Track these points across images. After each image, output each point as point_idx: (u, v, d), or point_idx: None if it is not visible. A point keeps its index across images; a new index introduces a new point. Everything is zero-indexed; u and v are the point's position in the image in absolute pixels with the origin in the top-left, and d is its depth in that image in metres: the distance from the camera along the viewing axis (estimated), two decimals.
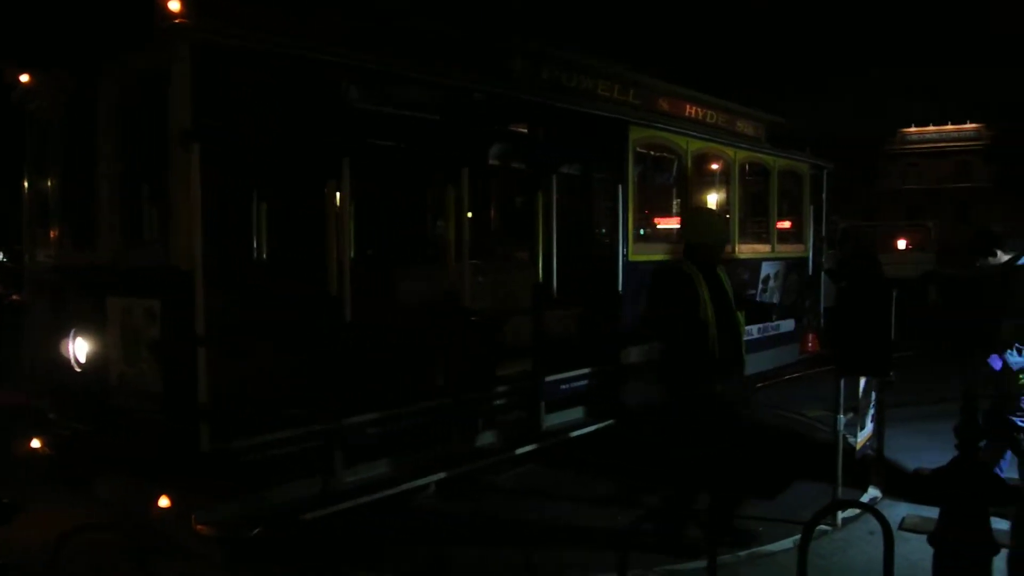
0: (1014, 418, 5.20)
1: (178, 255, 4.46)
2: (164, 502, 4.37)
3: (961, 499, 2.68)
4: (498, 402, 6.39)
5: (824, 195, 11.69)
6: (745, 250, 9.60)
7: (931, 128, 58.60)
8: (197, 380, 4.35)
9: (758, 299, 9.92)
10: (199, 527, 4.34)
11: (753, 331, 9.93)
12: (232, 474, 4.50)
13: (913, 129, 59.15)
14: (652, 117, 8.28)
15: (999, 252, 5.57)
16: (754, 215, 10.24)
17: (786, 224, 10.86)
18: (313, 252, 5.25)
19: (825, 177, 11.57)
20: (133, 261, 5.04)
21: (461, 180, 6.21)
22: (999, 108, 50.90)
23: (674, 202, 9.10)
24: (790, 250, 10.63)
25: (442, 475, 5.60)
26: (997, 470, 5.46)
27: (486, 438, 6.28)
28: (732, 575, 4.57)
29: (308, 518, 4.67)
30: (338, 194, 5.27)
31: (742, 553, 4.86)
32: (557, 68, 7.38)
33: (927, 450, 6.34)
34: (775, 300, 10.28)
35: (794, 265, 10.62)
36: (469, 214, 6.47)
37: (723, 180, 9.41)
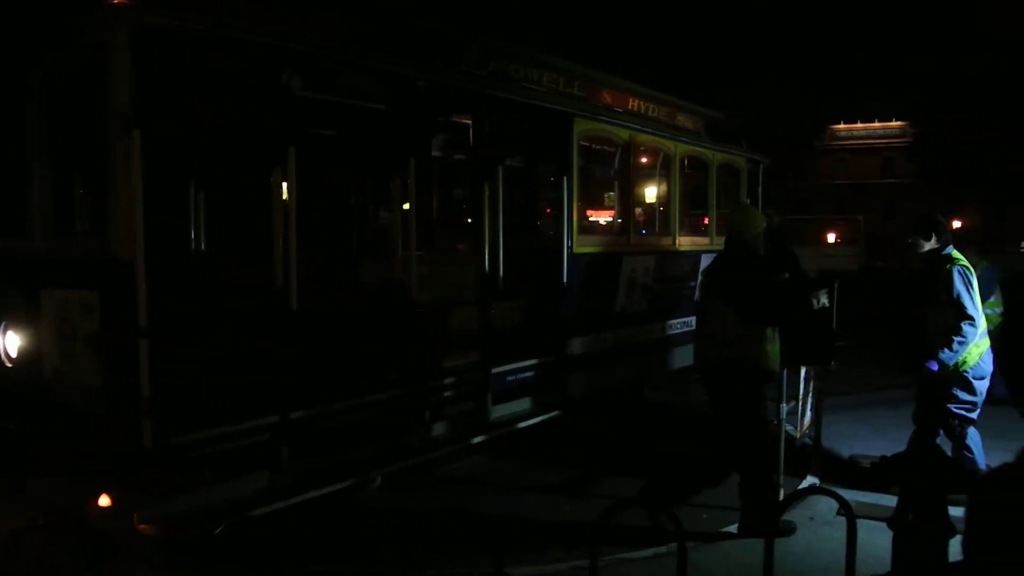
0: (949, 405, 5.37)
1: (118, 245, 4.29)
2: (104, 501, 4.22)
3: (920, 485, 2.75)
4: (446, 394, 6.37)
5: (760, 189, 11.97)
6: (686, 243, 9.76)
7: (859, 125, 60.39)
8: (139, 374, 4.21)
9: (698, 291, 10.14)
10: (142, 526, 4.22)
11: (692, 321, 10.14)
12: (175, 470, 4.37)
13: (842, 126, 60.81)
14: (596, 110, 8.35)
15: (933, 237, 5.67)
16: (694, 208, 10.43)
17: (724, 217, 11.08)
18: (258, 242, 5.13)
19: (761, 171, 11.84)
20: (69, 252, 4.85)
21: (407, 171, 6.16)
22: (922, 107, 52.62)
23: (617, 195, 9.15)
24: None
25: (391, 468, 5.56)
26: None
27: (434, 430, 6.24)
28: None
29: (257, 514, 4.57)
30: (284, 184, 5.16)
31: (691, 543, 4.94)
32: (504, 60, 7.37)
33: (861, 438, 6.60)
34: None
35: None
36: (414, 205, 6.43)
37: (664, 173, 9.52)
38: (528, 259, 7.68)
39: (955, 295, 5.36)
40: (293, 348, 5.04)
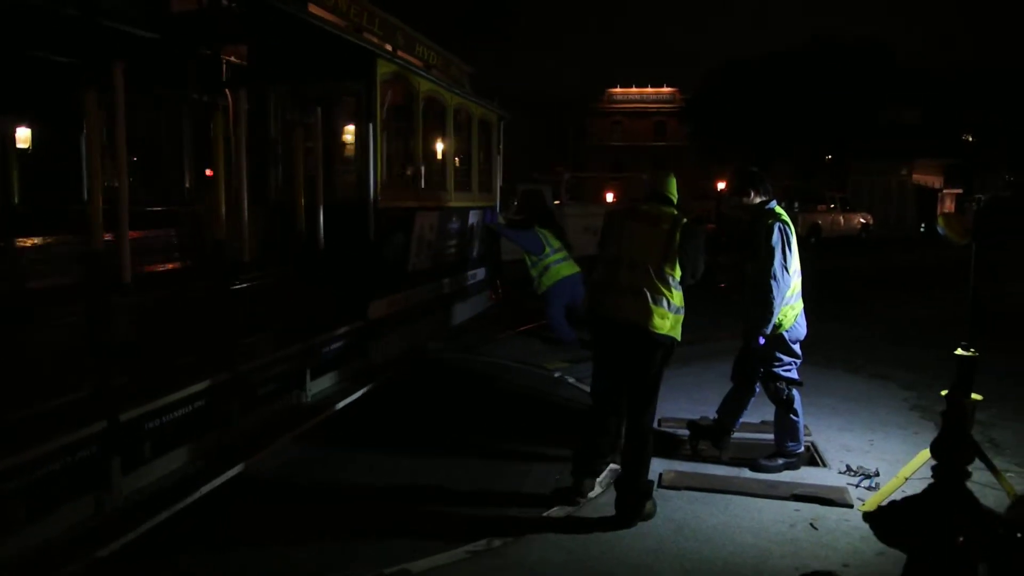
0: (773, 369, 5.39)
1: None
2: None
3: (942, 541, 2.18)
4: (258, 377, 5.43)
5: (501, 145, 11.99)
6: (459, 198, 9.51)
7: (634, 89, 63.13)
8: None
9: (467, 249, 9.96)
10: None
11: (467, 277, 10.03)
12: None
13: (618, 89, 63.18)
14: (394, 54, 7.66)
15: (752, 193, 5.49)
16: (461, 163, 10.16)
17: (481, 173, 10.97)
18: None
19: (502, 127, 11.84)
20: None
21: (187, 110, 5.02)
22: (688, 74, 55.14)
23: (405, 147, 8.55)
24: (486, 199, 10.82)
25: (237, 469, 4.61)
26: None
27: (249, 422, 5.30)
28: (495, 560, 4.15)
29: (105, 554, 3.49)
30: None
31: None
32: None
33: (664, 398, 6.50)
34: (475, 249, 10.40)
35: (487, 214, 10.82)
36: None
37: (442, 126, 9.15)
38: (330, 215, 6.84)
39: (770, 248, 5.26)
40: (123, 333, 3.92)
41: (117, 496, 3.89)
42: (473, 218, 10.09)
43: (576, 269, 9.53)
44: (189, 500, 4.15)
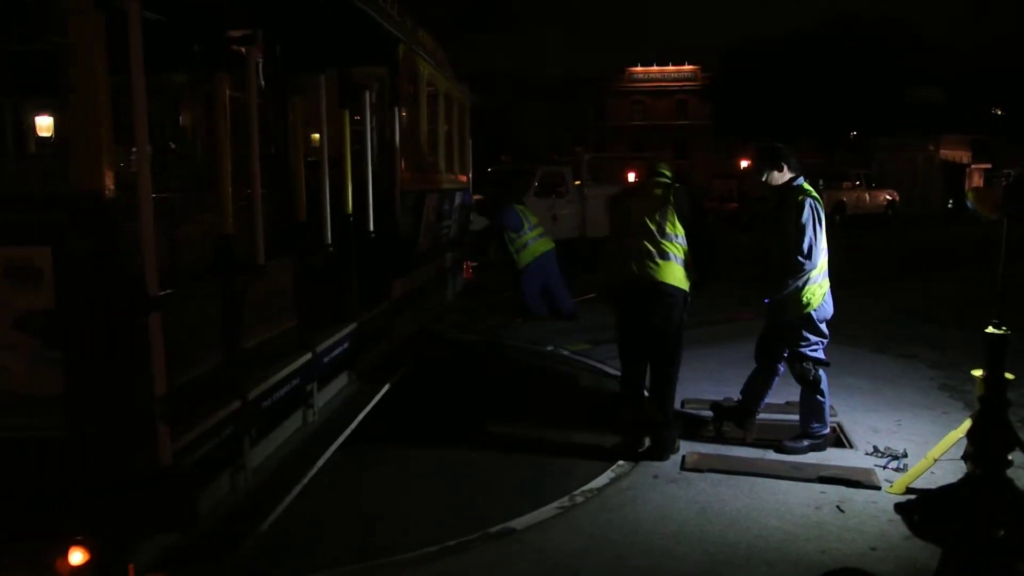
0: (800, 349, 5.39)
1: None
2: (78, 557, 2.85)
3: (979, 534, 1.94)
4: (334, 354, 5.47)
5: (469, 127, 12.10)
6: (449, 180, 9.62)
7: (654, 68, 61.87)
8: (151, 362, 2.89)
9: (452, 230, 10.06)
10: None
11: (456, 256, 10.16)
12: (183, 491, 3.16)
13: (639, 68, 61.82)
14: (408, 38, 7.63)
15: (785, 167, 5.47)
16: (447, 146, 10.21)
17: (461, 155, 11.07)
18: None
19: (469, 109, 11.94)
20: None
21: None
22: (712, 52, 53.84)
23: (409, 130, 8.53)
24: (465, 181, 10.99)
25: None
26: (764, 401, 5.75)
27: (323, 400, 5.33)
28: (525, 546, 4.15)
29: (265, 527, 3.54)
30: None
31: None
32: None
33: (687, 378, 6.46)
34: (458, 229, 10.53)
35: (465, 196, 10.98)
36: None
37: (435, 109, 9.18)
38: (361, 198, 6.82)
39: (801, 226, 5.23)
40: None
41: (249, 471, 3.92)
42: (459, 199, 10.26)
43: (551, 246, 10.17)
44: (309, 475, 4.18)
